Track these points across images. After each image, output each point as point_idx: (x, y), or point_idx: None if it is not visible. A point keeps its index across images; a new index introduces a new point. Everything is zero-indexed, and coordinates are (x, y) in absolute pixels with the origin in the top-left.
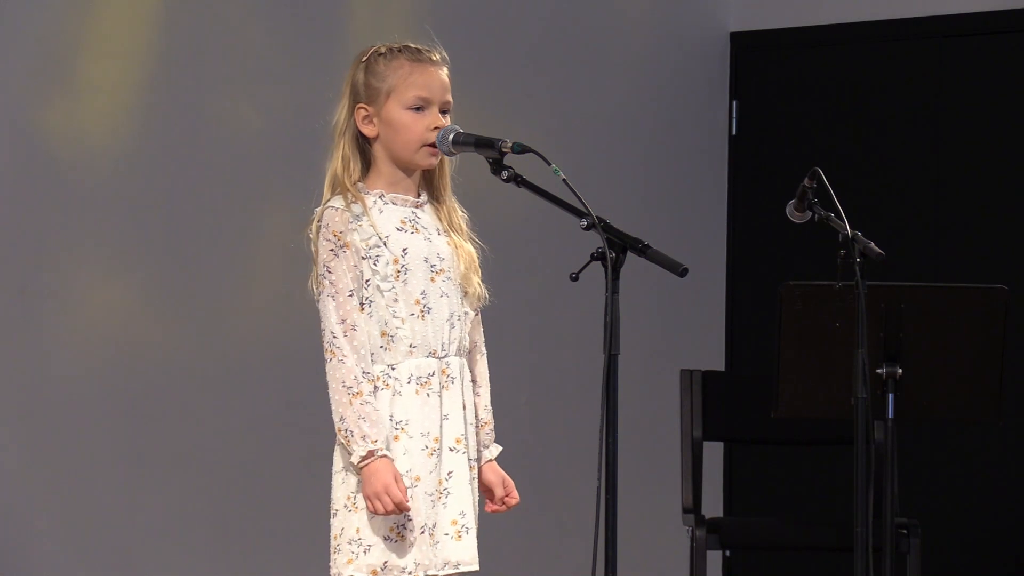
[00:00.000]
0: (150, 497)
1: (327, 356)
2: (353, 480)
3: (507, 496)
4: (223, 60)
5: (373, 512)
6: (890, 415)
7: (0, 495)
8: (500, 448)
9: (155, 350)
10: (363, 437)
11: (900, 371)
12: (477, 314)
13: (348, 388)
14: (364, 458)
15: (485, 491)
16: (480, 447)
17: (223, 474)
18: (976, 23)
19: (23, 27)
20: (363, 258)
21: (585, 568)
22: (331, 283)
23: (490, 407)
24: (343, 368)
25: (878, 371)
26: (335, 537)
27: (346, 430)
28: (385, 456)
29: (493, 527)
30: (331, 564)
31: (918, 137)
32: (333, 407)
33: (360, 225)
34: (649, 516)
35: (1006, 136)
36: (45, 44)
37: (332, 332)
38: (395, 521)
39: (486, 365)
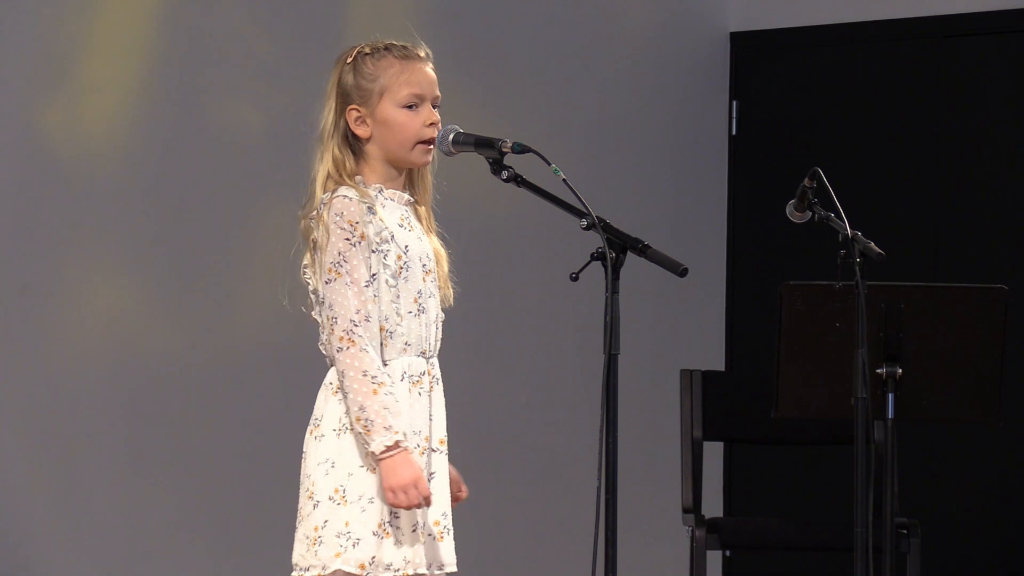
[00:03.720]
0: (150, 496)
1: (343, 344)
2: (341, 472)
3: (459, 492)
4: (223, 60)
5: (394, 504)
6: (890, 415)
7: (0, 495)
8: None
9: (155, 350)
10: (387, 428)
11: (900, 371)
12: None
13: (372, 378)
14: (389, 448)
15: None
16: None
17: (223, 474)
18: (976, 23)
19: (23, 27)
20: (373, 252)
21: (585, 568)
22: (347, 272)
23: None
24: (365, 358)
25: (878, 371)
26: (315, 529)
27: (367, 419)
28: (407, 449)
29: (493, 527)
30: (300, 555)
31: (918, 137)
32: (350, 396)
33: (373, 218)
34: (649, 516)
35: (1006, 136)
36: (45, 44)
37: (352, 320)
38: (382, 517)
39: None
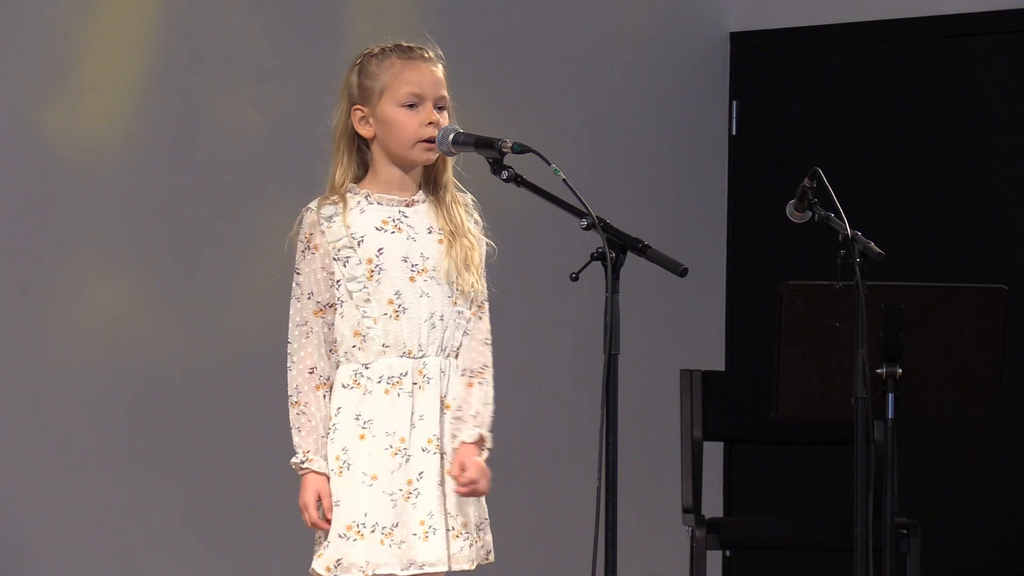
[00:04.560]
0: (150, 496)
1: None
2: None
3: (468, 482)
4: (223, 60)
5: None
6: (890, 415)
7: (0, 495)
8: (478, 433)
9: (155, 350)
10: (296, 446)
11: (900, 371)
12: (478, 308)
13: (289, 396)
14: (297, 466)
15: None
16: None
17: (223, 474)
18: (976, 23)
19: (23, 27)
20: (333, 259)
21: (585, 568)
22: (297, 284)
23: (472, 403)
24: (289, 375)
25: (878, 371)
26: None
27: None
28: (311, 472)
29: (493, 527)
30: None
31: (918, 137)
32: None
33: (330, 226)
34: (649, 516)
35: (1006, 136)
36: (45, 44)
37: (288, 339)
38: (352, 519)
39: (476, 360)
